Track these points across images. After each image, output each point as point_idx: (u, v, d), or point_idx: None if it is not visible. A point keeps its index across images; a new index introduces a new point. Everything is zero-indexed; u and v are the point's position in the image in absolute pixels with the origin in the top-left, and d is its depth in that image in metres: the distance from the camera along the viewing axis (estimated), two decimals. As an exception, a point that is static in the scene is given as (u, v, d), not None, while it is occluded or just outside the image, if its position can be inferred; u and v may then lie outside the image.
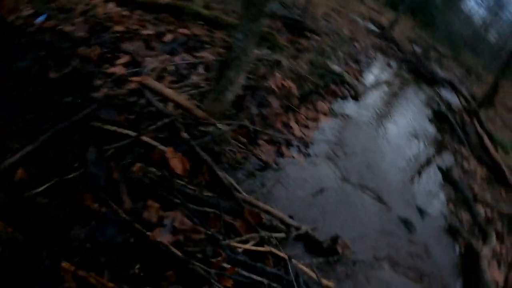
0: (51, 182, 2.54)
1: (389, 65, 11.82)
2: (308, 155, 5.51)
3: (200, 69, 5.37)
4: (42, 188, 2.48)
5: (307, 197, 4.67)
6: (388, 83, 10.44)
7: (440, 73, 13.78)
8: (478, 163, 8.86)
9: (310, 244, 3.92)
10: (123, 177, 2.83)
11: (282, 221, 3.85)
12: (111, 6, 5.80)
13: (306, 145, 5.68)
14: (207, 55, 5.82)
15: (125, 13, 5.88)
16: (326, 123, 6.63)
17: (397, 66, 12.30)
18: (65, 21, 4.97)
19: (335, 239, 4.00)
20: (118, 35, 5.22)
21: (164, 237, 2.64)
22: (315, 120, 6.46)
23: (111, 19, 5.49)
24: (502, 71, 13.96)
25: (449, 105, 11.15)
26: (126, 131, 3.32)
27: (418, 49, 14.16)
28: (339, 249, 3.98)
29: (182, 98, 4.22)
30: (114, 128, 3.32)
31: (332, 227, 4.25)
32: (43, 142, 2.76)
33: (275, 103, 5.81)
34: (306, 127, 6.09)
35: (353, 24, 12.95)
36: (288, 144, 5.43)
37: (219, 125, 4.18)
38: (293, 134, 5.69)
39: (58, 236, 2.30)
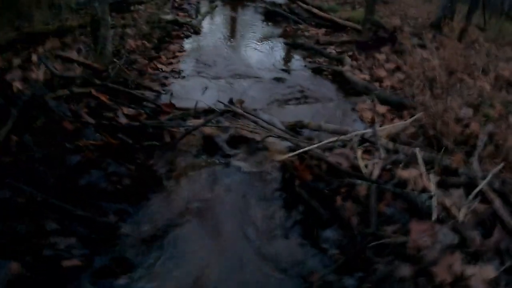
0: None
1: (211, 1, 13.06)
2: (183, 77, 6.65)
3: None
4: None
5: (198, 95, 5.78)
6: (213, 8, 11.70)
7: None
8: (316, 27, 10.46)
9: (210, 112, 4.93)
10: (78, 107, 3.82)
11: (187, 109, 4.93)
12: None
13: (178, 73, 6.81)
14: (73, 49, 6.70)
15: None
16: (184, 56, 7.75)
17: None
18: None
19: (230, 101, 5.13)
20: None
21: (122, 119, 3.73)
22: (175, 57, 7.59)
23: None
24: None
25: (274, 4, 12.62)
26: (61, 92, 4.22)
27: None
28: (237, 105, 5.13)
29: (82, 59, 5.26)
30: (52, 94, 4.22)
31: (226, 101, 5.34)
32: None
33: (139, 58, 6.84)
34: (171, 64, 7.21)
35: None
36: (165, 77, 6.52)
37: (115, 60, 5.48)
38: (164, 71, 6.78)
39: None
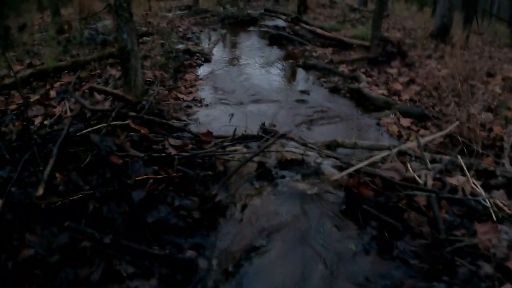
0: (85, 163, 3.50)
1: (214, 29, 13.31)
2: (206, 105, 6.78)
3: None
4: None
5: (225, 122, 5.89)
6: (222, 35, 11.94)
7: (255, 12, 15.51)
8: (322, 47, 10.67)
9: (249, 138, 5.13)
10: (122, 141, 3.87)
11: (225, 136, 5.04)
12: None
13: (200, 101, 6.94)
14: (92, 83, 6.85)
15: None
16: (201, 85, 7.90)
17: (220, 26, 13.83)
18: None
19: (263, 125, 5.25)
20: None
21: (172, 151, 3.81)
22: (193, 86, 7.73)
23: None
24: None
25: (277, 27, 12.89)
26: (98, 126, 4.24)
27: (228, 6, 15.73)
28: (269, 129, 5.26)
29: (116, 91, 5.34)
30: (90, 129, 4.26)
31: (255, 126, 5.46)
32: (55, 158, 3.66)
33: (159, 89, 6.97)
34: (190, 93, 7.35)
35: (166, 18, 14.33)
36: (188, 107, 6.65)
37: (151, 91, 5.68)
38: (186, 100, 6.91)
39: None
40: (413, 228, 2.79)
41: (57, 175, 3.29)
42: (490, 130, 5.60)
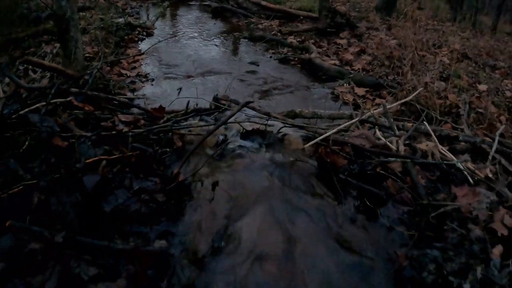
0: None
1: (153, 4, 12.73)
2: (152, 80, 6.40)
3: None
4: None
5: (174, 96, 5.54)
6: (165, 8, 11.43)
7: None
8: (268, 19, 10.39)
9: (203, 111, 4.79)
10: (65, 120, 3.44)
11: (177, 111, 4.69)
12: None
13: (145, 76, 6.54)
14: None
15: None
16: (146, 59, 7.46)
17: (160, 1, 13.25)
18: None
19: (215, 96, 4.94)
20: None
21: (123, 128, 3.41)
22: (136, 61, 7.28)
23: None
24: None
25: (220, 0, 12.45)
26: (36, 106, 3.77)
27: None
28: (223, 99, 4.95)
29: (54, 64, 4.82)
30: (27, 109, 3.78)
31: (207, 98, 5.12)
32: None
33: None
34: (134, 68, 6.91)
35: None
36: (133, 82, 6.24)
37: (94, 64, 5.20)
38: (130, 76, 6.48)
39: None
40: (394, 195, 2.61)
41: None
42: (446, 98, 5.58)
